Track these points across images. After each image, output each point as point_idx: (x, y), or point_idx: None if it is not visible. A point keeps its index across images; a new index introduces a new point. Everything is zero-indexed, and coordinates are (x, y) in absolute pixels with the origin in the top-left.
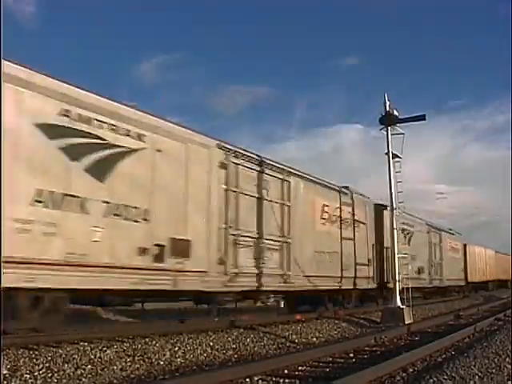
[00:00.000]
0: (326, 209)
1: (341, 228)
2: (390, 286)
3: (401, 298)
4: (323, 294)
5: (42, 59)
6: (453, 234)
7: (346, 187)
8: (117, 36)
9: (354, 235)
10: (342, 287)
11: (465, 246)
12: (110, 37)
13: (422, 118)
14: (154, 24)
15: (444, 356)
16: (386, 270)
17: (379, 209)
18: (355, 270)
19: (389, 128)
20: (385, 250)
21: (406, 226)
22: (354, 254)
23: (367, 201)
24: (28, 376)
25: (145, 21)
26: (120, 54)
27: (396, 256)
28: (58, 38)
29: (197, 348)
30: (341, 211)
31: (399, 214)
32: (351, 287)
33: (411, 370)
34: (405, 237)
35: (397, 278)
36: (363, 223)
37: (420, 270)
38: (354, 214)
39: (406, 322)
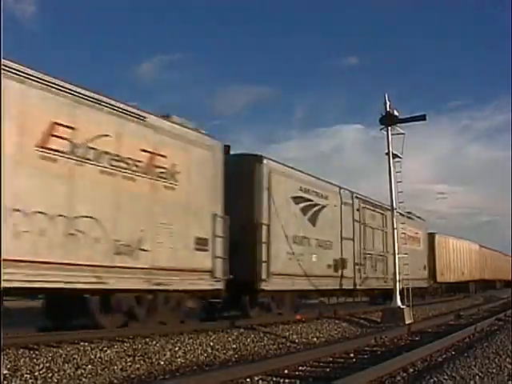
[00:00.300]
0: (62, 132)
1: (114, 175)
2: (265, 286)
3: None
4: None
5: (42, 59)
6: (411, 219)
7: (167, 115)
8: (117, 36)
9: (158, 193)
10: (109, 286)
11: (431, 235)
12: (110, 37)
13: (422, 118)
14: (154, 24)
15: (444, 356)
16: (257, 262)
17: (242, 159)
18: (162, 255)
19: (389, 128)
20: (258, 228)
21: (304, 194)
22: (154, 227)
23: (204, 139)
24: (28, 376)
25: (145, 21)
26: (120, 54)
27: (396, 256)
28: (58, 37)
29: (197, 348)
30: (118, 144)
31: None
32: (152, 286)
33: (411, 369)
34: (303, 212)
35: (397, 278)
36: (187, 174)
37: (338, 265)
38: (156, 155)
39: (407, 322)
